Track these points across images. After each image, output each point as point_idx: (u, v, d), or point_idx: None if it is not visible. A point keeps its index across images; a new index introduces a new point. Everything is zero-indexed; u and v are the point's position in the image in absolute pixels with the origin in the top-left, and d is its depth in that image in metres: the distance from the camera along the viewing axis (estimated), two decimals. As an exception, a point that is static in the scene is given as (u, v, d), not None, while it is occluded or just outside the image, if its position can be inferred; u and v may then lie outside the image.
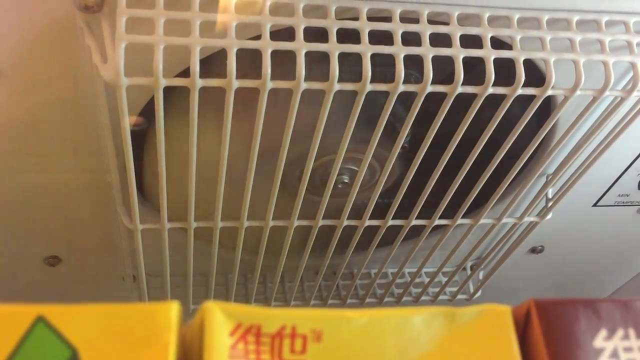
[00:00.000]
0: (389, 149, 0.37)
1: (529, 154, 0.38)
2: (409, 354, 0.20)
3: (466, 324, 0.21)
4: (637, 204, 0.52)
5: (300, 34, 0.30)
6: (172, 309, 0.20)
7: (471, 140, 0.37)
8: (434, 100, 0.33)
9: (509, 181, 0.41)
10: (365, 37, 0.31)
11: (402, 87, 0.31)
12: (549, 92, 0.33)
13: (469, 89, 0.32)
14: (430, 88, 0.31)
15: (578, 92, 0.33)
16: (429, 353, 0.21)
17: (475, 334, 0.21)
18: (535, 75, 0.35)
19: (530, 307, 0.22)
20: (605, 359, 0.21)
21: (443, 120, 0.34)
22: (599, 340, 0.21)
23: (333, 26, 0.31)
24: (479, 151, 0.37)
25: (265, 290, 0.53)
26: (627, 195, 0.51)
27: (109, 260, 0.52)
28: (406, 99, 0.35)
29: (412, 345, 0.21)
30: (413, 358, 0.21)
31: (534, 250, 0.57)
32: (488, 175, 0.40)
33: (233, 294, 0.51)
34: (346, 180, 0.42)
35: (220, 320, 0.20)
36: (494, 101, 0.34)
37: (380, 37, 0.31)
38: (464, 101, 0.33)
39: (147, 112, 0.36)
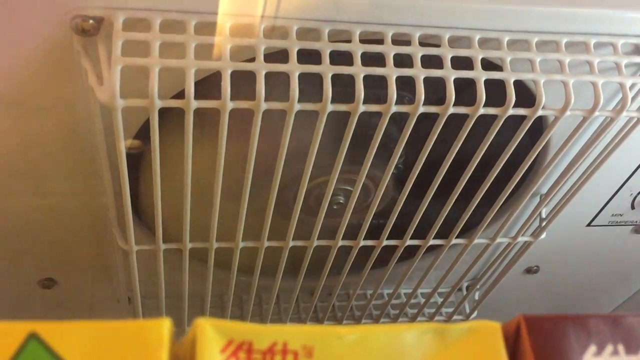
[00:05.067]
0: (383, 170, 0.37)
1: (522, 174, 0.38)
2: (399, 371, 0.21)
3: (456, 340, 0.21)
4: (631, 223, 0.52)
5: (293, 57, 0.31)
6: (164, 326, 0.20)
7: (465, 160, 0.37)
8: (428, 122, 0.34)
9: (502, 201, 0.41)
10: (357, 59, 0.31)
11: (394, 108, 0.31)
12: (540, 113, 0.33)
13: (461, 110, 0.32)
14: (422, 109, 0.32)
15: (568, 113, 0.33)
16: (419, 369, 0.21)
17: (465, 350, 0.21)
18: (527, 96, 0.35)
19: (520, 323, 0.22)
20: (596, 375, 0.21)
21: (436, 141, 0.34)
22: (589, 356, 0.21)
23: (326, 48, 0.31)
24: (472, 171, 0.37)
25: (260, 312, 0.53)
26: (621, 215, 0.51)
27: (104, 282, 0.52)
28: (400, 121, 0.35)
29: (402, 362, 0.21)
30: (405, 375, 0.21)
31: (529, 271, 0.58)
32: (481, 195, 0.40)
33: (228, 316, 0.51)
34: (341, 201, 0.43)
35: (211, 336, 0.20)
36: (487, 122, 0.34)
37: (373, 60, 0.32)
38: (457, 122, 0.34)
39: (143, 133, 0.37)
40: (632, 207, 0.50)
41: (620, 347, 0.22)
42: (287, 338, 0.20)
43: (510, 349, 0.22)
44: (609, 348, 0.22)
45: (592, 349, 0.22)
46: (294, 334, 0.20)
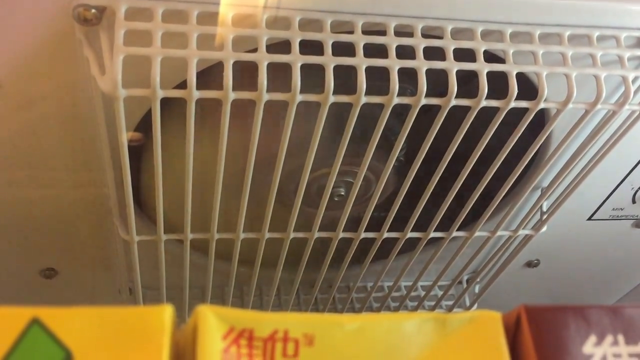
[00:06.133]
0: (384, 162, 0.37)
1: (523, 167, 0.38)
2: (399, 359, 0.21)
3: (457, 330, 0.21)
4: (631, 217, 0.52)
5: (296, 47, 0.31)
6: (166, 312, 0.20)
7: (466, 153, 0.37)
8: (430, 115, 0.34)
9: (504, 194, 0.41)
10: (360, 50, 0.31)
11: (396, 100, 0.31)
12: (542, 105, 0.33)
13: (462, 102, 0.32)
14: (424, 101, 0.32)
15: (570, 106, 0.33)
16: (419, 358, 0.21)
17: (466, 340, 0.21)
18: (529, 88, 0.35)
19: (520, 313, 0.22)
20: (595, 365, 0.21)
21: (438, 133, 0.34)
22: (588, 346, 0.21)
23: (328, 39, 0.31)
24: (473, 164, 0.37)
25: (261, 303, 0.53)
26: (622, 209, 0.51)
27: (105, 272, 0.52)
28: (402, 113, 0.35)
29: (403, 351, 0.21)
30: (405, 364, 0.21)
31: (529, 264, 0.58)
32: (483, 188, 0.40)
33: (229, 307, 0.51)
34: (342, 193, 0.43)
35: (213, 323, 0.20)
36: (489, 114, 0.34)
37: (376, 51, 0.32)
38: (460, 115, 0.34)
39: (145, 124, 0.37)
40: (633, 201, 0.50)
41: (620, 338, 0.22)
42: (288, 326, 0.20)
43: (510, 339, 0.22)
44: (609, 338, 0.22)
45: (592, 339, 0.22)
46: (295, 322, 0.20)
